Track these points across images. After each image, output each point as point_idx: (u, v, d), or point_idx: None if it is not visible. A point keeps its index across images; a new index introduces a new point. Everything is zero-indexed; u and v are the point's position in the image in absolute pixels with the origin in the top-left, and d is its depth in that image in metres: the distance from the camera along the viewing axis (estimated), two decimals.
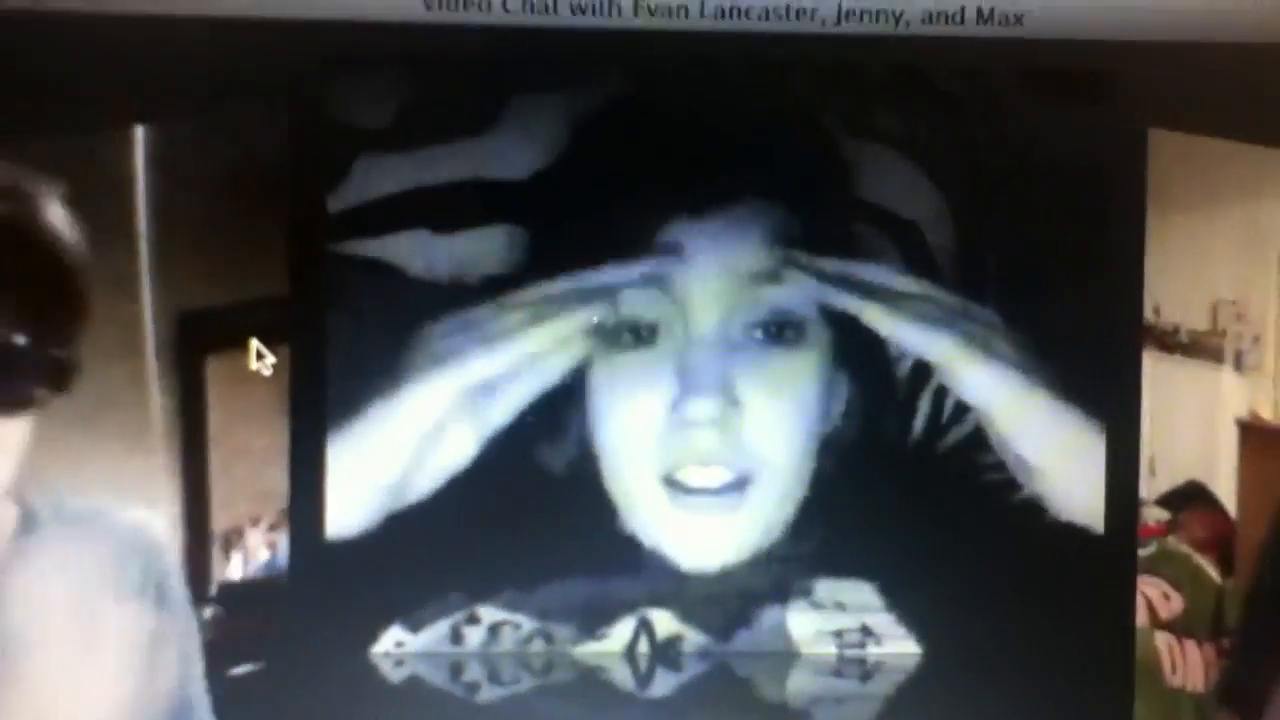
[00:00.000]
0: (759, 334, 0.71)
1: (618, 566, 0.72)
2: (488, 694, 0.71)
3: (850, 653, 0.73)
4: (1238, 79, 0.72)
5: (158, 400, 0.66)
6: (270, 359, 0.68)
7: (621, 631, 0.73)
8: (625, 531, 0.72)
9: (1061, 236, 0.72)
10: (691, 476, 0.71)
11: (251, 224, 0.68)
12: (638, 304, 0.71)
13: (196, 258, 0.67)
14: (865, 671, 0.73)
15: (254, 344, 0.67)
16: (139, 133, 0.67)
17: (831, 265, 0.72)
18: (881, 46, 0.71)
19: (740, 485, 0.72)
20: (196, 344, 0.67)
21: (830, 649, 0.73)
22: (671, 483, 0.72)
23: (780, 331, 0.72)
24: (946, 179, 0.72)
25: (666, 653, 0.73)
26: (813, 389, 0.73)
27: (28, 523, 0.64)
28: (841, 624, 0.74)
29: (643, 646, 0.73)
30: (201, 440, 0.67)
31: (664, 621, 0.73)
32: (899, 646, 0.73)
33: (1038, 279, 0.72)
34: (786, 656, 0.73)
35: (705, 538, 0.72)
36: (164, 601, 0.65)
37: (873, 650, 0.73)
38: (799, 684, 0.73)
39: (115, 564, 0.64)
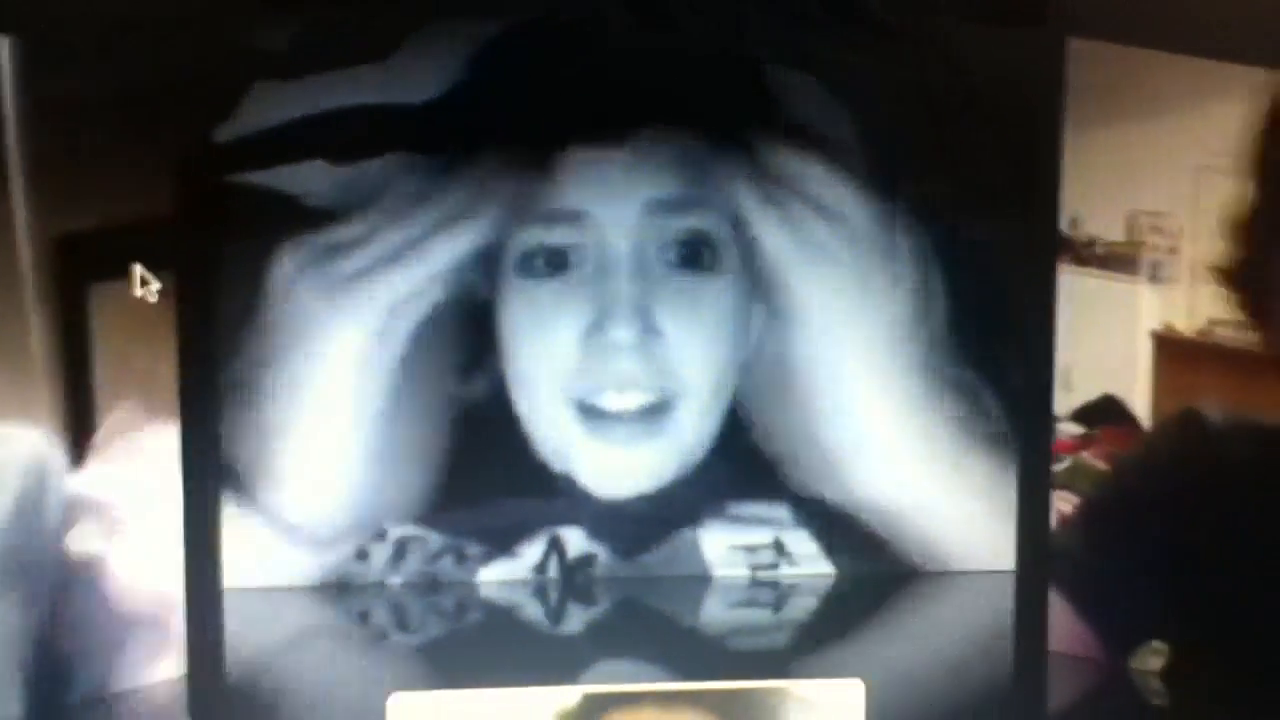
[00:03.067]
0: (674, 258, 0.71)
1: (530, 492, 0.71)
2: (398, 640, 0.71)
3: (764, 574, 0.74)
4: None
5: (39, 328, 0.63)
6: (155, 285, 0.65)
7: (532, 551, 0.72)
8: (537, 458, 0.71)
9: (979, 153, 0.72)
10: (609, 401, 0.71)
11: (134, 147, 0.65)
12: (550, 232, 0.70)
13: (73, 180, 0.64)
14: (779, 596, 0.73)
15: (137, 269, 0.65)
16: (3, 45, 0.63)
17: (746, 189, 0.72)
18: None
19: (660, 409, 0.71)
20: (78, 270, 0.64)
21: (743, 570, 0.74)
22: (586, 409, 0.71)
23: (696, 256, 0.71)
24: (863, 102, 0.71)
25: (575, 577, 0.73)
26: (729, 313, 0.72)
27: None
28: (755, 541, 0.74)
29: (553, 568, 0.73)
30: (86, 368, 0.64)
31: (575, 541, 0.72)
32: (813, 567, 0.73)
33: (954, 198, 0.72)
34: (700, 580, 0.74)
35: (621, 465, 0.71)
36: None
37: (786, 571, 0.74)
38: (713, 612, 0.73)
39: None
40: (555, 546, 0.73)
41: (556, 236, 0.70)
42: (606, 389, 0.71)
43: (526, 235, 0.70)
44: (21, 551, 0.62)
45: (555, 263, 0.70)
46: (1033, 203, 0.72)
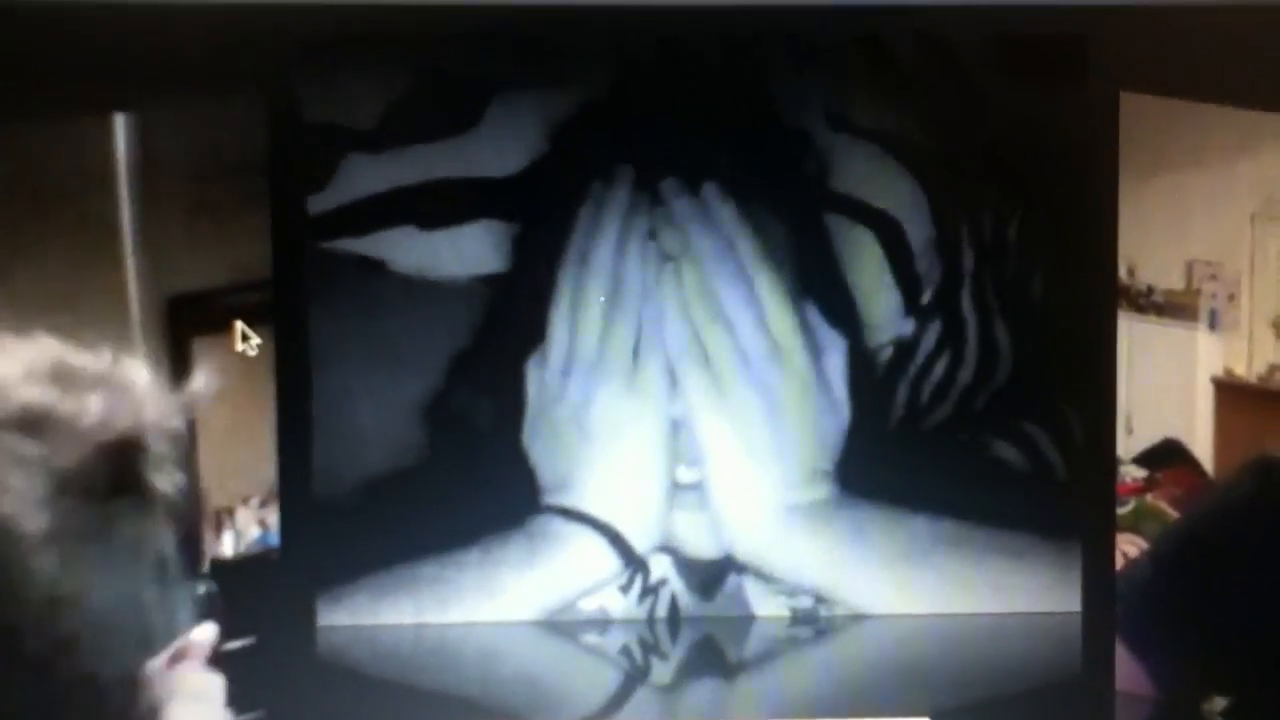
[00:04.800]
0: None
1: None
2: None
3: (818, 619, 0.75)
4: (1208, 41, 0.72)
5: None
6: (255, 340, 0.69)
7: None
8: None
9: (1036, 205, 0.73)
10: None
11: (235, 212, 0.69)
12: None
13: (180, 243, 0.68)
14: (846, 636, 0.74)
15: (239, 326, 0.68)
16: (118, 120, 0.67)
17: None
18: (848, 16, 0.72)
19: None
20: (182, 327, 0.68)
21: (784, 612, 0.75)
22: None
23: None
24: (919, 165, 0.72)
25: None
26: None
27: None
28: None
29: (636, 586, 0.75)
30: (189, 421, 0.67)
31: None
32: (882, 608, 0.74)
33: (1013, 251, 0.73)
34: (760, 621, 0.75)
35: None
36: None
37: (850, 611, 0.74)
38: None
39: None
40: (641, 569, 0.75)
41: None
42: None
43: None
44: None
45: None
46: (1090, 252, 0.73)
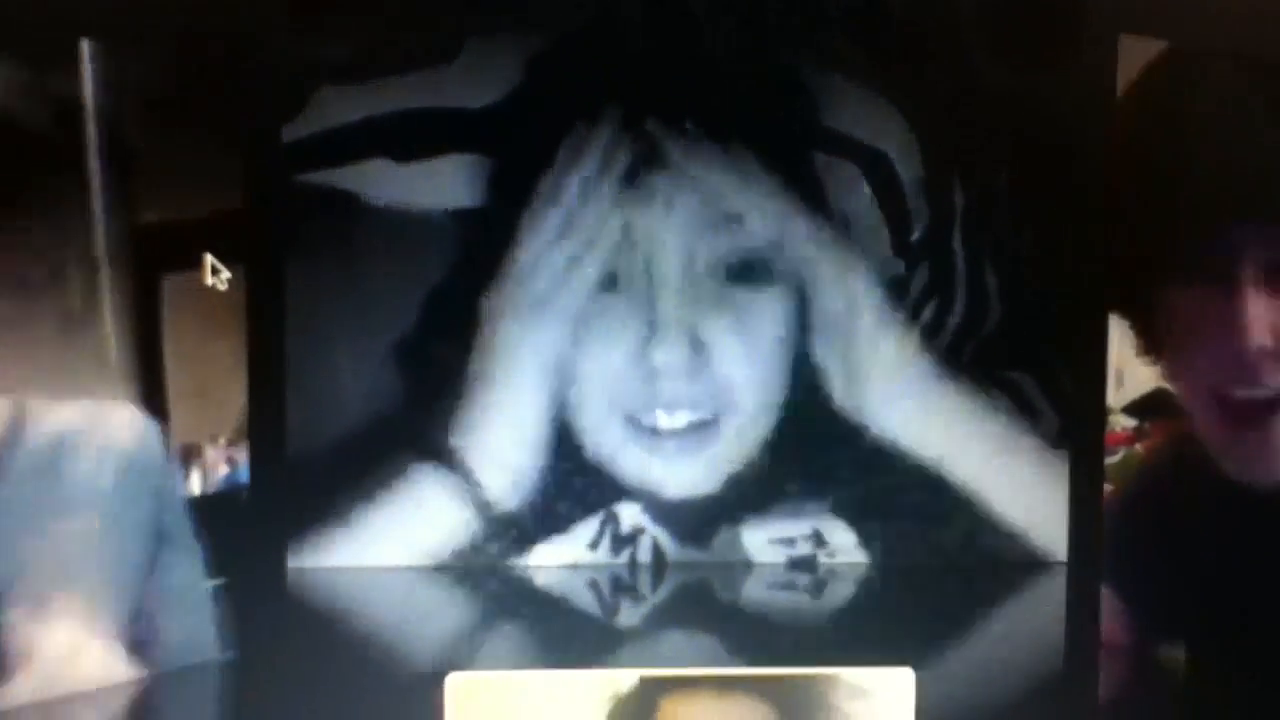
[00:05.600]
0: (722, 275, 0.72)
1: (585, 486, 0.72)
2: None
3: (810, 564, 0.74)
4: None
5: (111, 314, 0.65)
6: (225, 274, 0.67)
7: (587, 527, 0.73)
8: (592, 463, 0.72)
9: (1029, 153, 0.72)
10: (659, 420, 0.72)
11: (206, 142, 0.68)
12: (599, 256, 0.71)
13: (149, 175, 0.67)
14: (833, 586, 0.73)
15: (209, 259, 0.67)
16: (86, 46, 0.66)
17: (797, 203, 0.72)
18: None
19: (706, 426, 0.72)
20: (151, 259, 0.67)
21: (785, 561, 0.74)
22: (638, 425, 0.72)
23: (745, 272, 0.72)
24: (914, 107, 0.72)
25: (626, 546, 0.74)
26: (778, 327, 0.73)
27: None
28: (797, 534, 0.75)
29: (606, 541, 0.74)
30: (157, 354, 0.66)
31: (630, 515, 0.73)
32: (863, 558, 0.74)
33: (1006, 197, 0.73)
34: (750, 568, 0.74)
35: (671, 476, 0.73)
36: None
37: (838, 560, 0.74)
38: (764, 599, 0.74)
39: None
40: (611, 521, 0.74)
41: (603, 255, 0.71)
42: (656, 408, 0.72)
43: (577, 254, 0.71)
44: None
45: (604, 282, 0.71)
46: (1085, 197, 0.72)
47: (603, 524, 0.73)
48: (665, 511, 0.73)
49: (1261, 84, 0.73)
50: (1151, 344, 0.73)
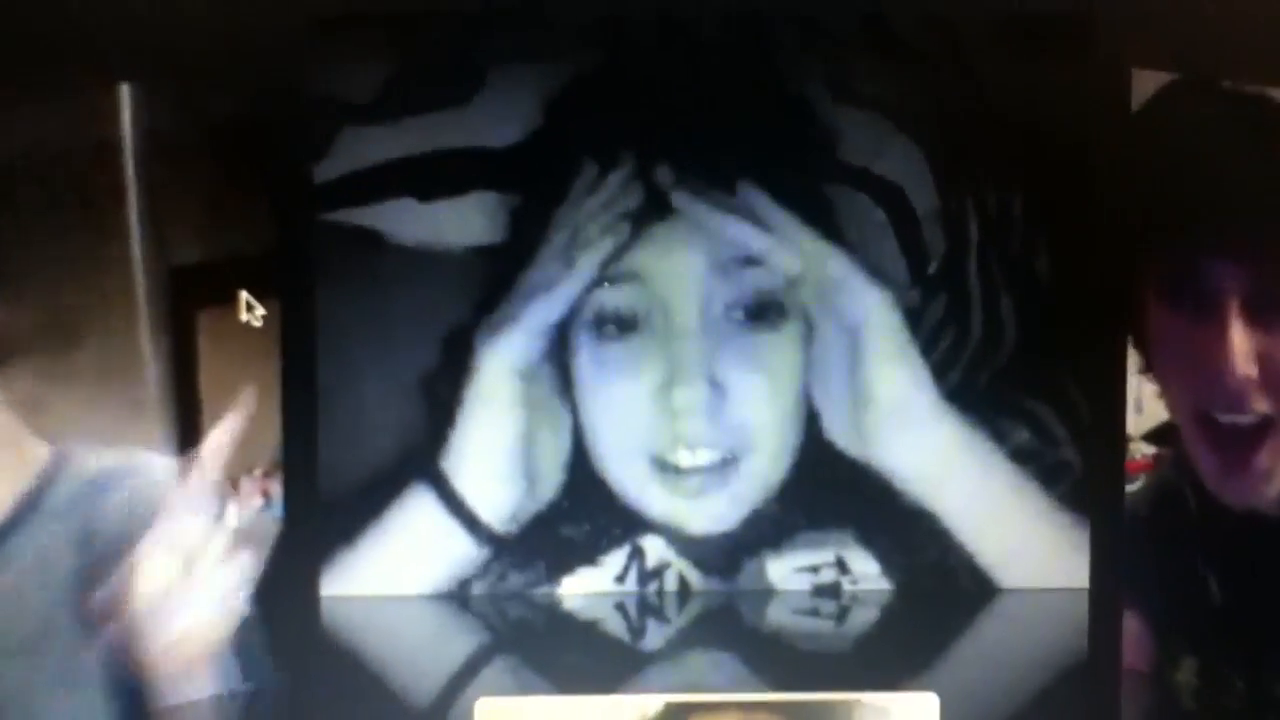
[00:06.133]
0: (740, 316, 0.73)
1: (610, 520, 0.73)
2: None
3: (828, 590, 0.75)
4: (1219, 17, 0.71)
5: (150, 353, 0.67)
6: (260, 310, 0.69)
7: (614, 560, 0.74)
8: (618, 499, 0.74)
9: (1044, 179, 0.73)
10: (681, 459, 0.73)
11: (238, 183, 0.70)
12: (616, 297, 0.73)
13: (184, 215, 0.68)
14: (856, 613, 0.74)
15: (243, 296, 0.68)
16: (124, 91, 0.68)
17: (813, 241, 0.74)
18: None
19: (727, 465, 0.73)
20: (187, 298, 0.68)
21: (809, 589, 0.75)
22: (662, 465, 0.73)
23: (761, 312, 0.73)
24: (925, 137, 0.72)
25: (653, 579, 0.75)
26: (794, 365, 0.74)
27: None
28: (819, 562, 0.75)
29: (634, 574, 0.75)
30: (194, 391, 0.68)
31: (655, 549, 0.74)
32: (885, 585, 0.74)
33: (1022, 226, 0.73)
34: (772, 595, 0.75)
35: (695, 513, 0.73)
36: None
37: (860, 588, 0.74)
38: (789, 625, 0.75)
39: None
40: (637, 555, 0.74)
41: (623, 300, 0.73)
42: (678, 447, 0.73)
43: (593, 297, 0.73)
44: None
45: (624, 324, 0.73)
46: (1103, 223, 0.73)
47: (629, 557, 0.74)
48: (690, 546, 0.73)
49: (1252, 114, 0.73)
50: (1147, 364, 0.73)
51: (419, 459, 0.72)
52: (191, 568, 0.66)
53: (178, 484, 0.67)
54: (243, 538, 0.67)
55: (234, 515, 0.68)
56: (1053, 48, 0.72)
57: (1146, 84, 0.72)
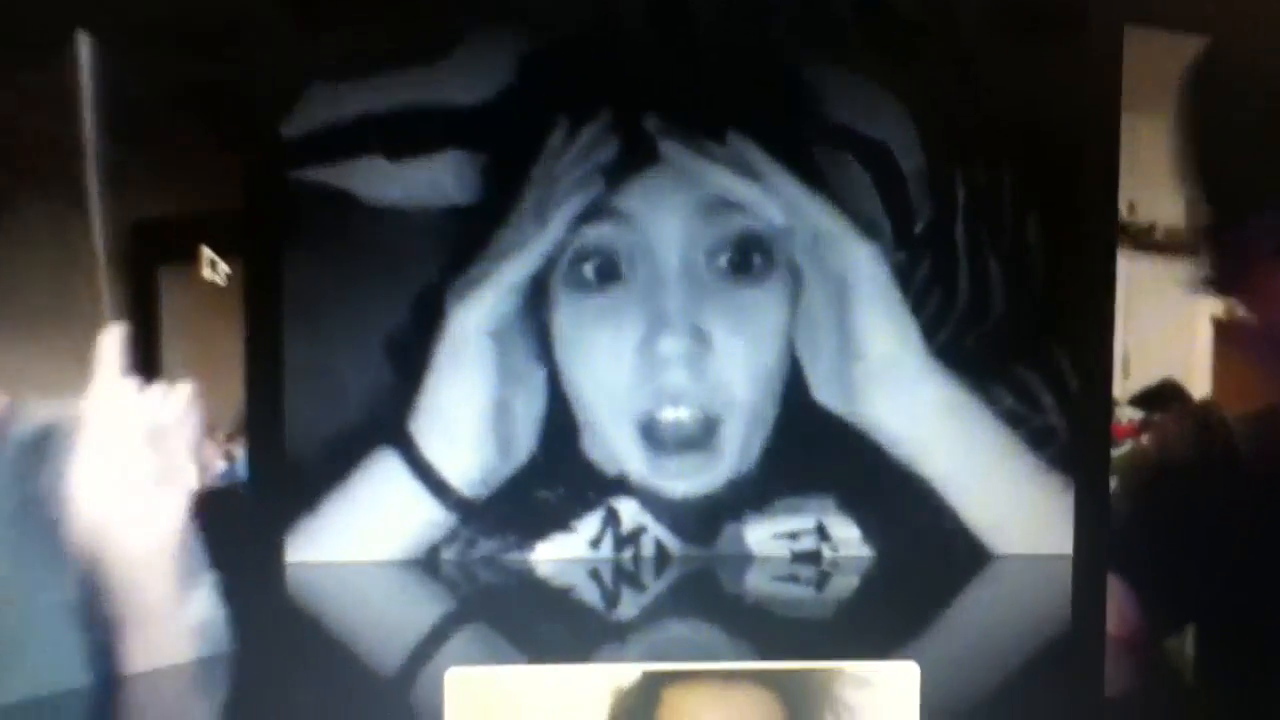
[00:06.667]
0: (724, 264, 0.71)
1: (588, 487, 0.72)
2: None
3: (809, 556, 0.74)
4: None
5: (108, 307, 0.65)
6: (224, 268, 0.67)
7: (589, 525, 0.73)
8: (595, 468, 0.72)
9: (1035, 140, 0.72)
10: (664, 414, 0.72)
11: (202, 138, 0.68)
12: (597, 236, 0.71)
13: (146, 168, 0.66)
14: (837, 580, 0.73)
15: (205, 252, 0.67)
16: (83, 41, 0.65)
17: (801, 193, 0.72)
18: None
19: (709, 425, 0.72)
20: (147, 252, 0.66)
21: (788, 555, 0.74)
22: (643, 423, 0.72)
23: (747, 262, 0.72)
24: (915, 98, 0.71)
25: (628, 544, 0.74)
26: (780, 318, 0.72)
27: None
28: (800, 528, 0.74)
29: (609, 539, 0.73)
30: (154, 346, 0.66)
31: (629, 512, 0.73)
32: (865, 551, 0.73)
33: (1010, 190, 0.72)
34: (745, 560, 0.74)
35: (675, 475, 0.72)
36: None
37: (840, 554, 0.74)
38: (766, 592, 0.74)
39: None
40: (611, 519, 0.73)
41: (606, 239, 0.71)
42: (662, 404, 0.71)
43: (577, 241, 0.71)
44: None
45: (605, 272, 0.71)
46: (1091, 188, 0.72)
47: (604, 522, 0.73)
48: (667, 510, 0.72)
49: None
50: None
51: (387, 422, 0.70)
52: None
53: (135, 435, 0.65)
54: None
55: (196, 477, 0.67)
56: (1046, 14, 0.71)
57: (1141, 41, 0.71)
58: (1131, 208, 0.73)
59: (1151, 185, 0.73)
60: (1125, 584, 0.71)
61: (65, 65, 0.66)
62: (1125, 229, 0.73)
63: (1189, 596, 0.72)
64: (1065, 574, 0.71)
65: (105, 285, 0.65)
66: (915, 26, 0.71)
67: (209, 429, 0.67)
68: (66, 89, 0.66)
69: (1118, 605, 0.71)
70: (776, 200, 0.71)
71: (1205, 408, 0.72)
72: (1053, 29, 0.71)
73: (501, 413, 0.71)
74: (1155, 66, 0.72)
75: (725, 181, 0.70)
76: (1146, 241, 0.74)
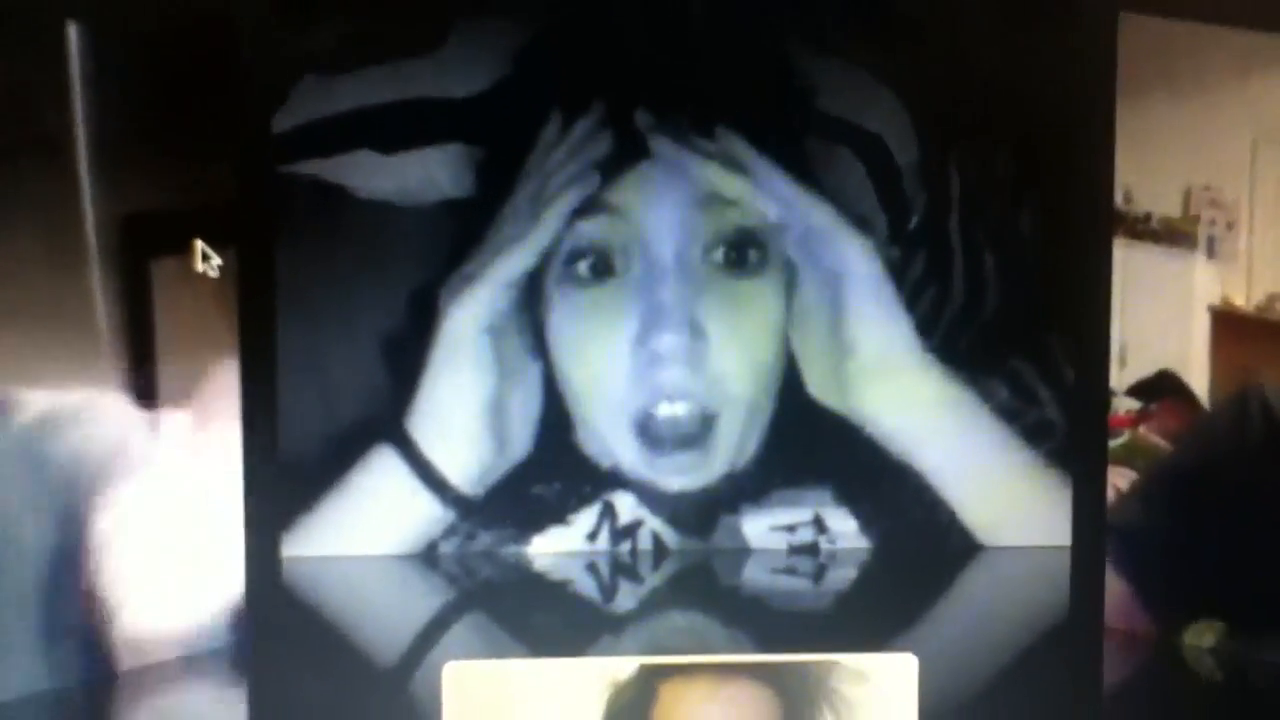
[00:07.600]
0: (720, 258, 0.71)
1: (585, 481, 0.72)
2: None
3: (806, 549, 0.74)
4: None
5: (101, 299, 0.65)
6: (216, 260, 0.67)
7: (586, 519, 0.73)
8: (592, 462, 0.73)
9: (1030, 129, 0.72)
10: (660, 410, 0.72)
11: (194, 130, 0.67)
12: (593, 230, 0.71)
13: (139, 160, 0.66)
14: (833, 572, 0.73)
15: (199, 245, 0.66)
16: (73, 31, 0.65)
17: (793, 188, 0.72)
18: None
19: (706, 418, 0.72)
20: (140, 244, 0.66)
21: (782, 545, 0.74)
22: (639, 418, 0.72)
23: (742, 257, 0.71)
24: (909, 90, 0.71)
25: (625, 538, 0.74)
26: (776, 313, 0.72)
27: None
28: (797, 520, 0.74)
29: (605, 532, 0.73)
30: (148, 342, 0.66)
31: (626, 506, 0.73)
32: (863, 544, 0.74)
33: (1005, 184, 0.72)
34: (742, 553, 0.74)
35: (672, 469, 0.73)
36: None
37: (838, 546, 0.74)
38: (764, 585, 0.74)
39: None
40: (608, 512, 0.73)
41: (601, 234, 0.70)
42: (659, 401, 0.71)
43: (571, 236, 0.71)
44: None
45: (600, 267, 0.71)
46: (1085, 178, 0.71)
47: (601, 515, 0.73)
48: (663, 504, 0.72)
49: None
50: None
51: (383, 420, 0.70)
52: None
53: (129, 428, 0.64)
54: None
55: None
56: (1040, 2, 0.71)
57: (1136, 28, 0.71)
58: (1127, 196, 0.73)
59: (1147, 174, 0.73)
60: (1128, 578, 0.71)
61: (56, 57, 0.65)
62: (1121, 218, 0.73)
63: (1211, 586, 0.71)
64: (1063, 566, 0.72)
65: (97, 278, 0.65)
66: (908, 17, 0.71)
67: (203, 425, 0.67)
68: (57, 81, 0.65)
69: (1124, 600, 0.71)
70: (769, 196, 0.71)
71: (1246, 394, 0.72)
72: (1047, 17, 0.71)
73: (498, 408, 0.71)
74: (1150, 53, 0.72)
75: (715, 178, 0.70)
76: (1142, 230, 0.74)
